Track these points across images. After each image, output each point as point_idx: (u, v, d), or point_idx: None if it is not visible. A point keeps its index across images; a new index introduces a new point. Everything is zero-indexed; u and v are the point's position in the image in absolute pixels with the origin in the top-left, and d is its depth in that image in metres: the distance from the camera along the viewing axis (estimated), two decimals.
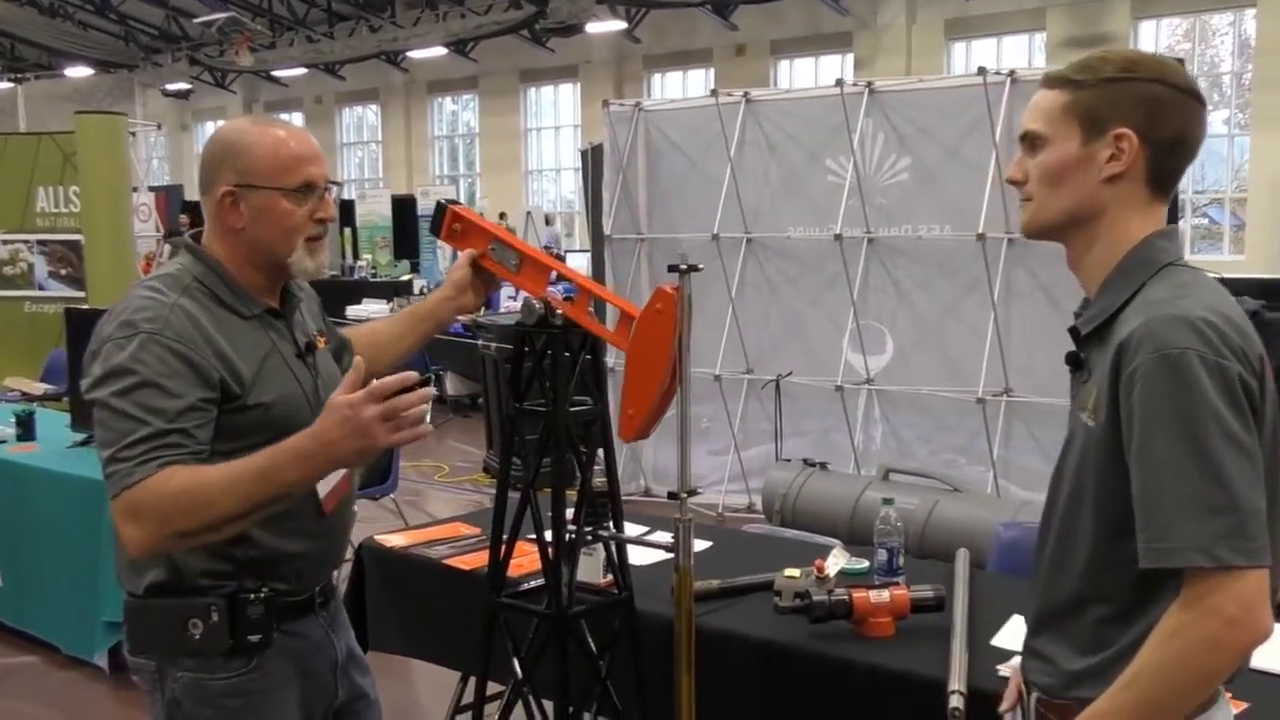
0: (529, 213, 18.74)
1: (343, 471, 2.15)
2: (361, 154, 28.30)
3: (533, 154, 24.83)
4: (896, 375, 6.23)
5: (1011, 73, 5.65)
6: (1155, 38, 18.51)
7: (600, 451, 2.65)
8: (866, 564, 3.07)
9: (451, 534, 3.57)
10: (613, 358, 6.43)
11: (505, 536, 2.61)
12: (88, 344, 2.01)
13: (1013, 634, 2.65)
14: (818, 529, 4.42)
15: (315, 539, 2.13)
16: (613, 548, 2.66)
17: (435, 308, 2.49)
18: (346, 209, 18.07)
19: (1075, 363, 1.72)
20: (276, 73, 25.89)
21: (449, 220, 2.49)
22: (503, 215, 19.34)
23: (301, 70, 25.15)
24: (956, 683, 2.34)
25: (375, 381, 1.83)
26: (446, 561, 3.31)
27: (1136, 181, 1.63)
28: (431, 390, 1.89)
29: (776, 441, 6.36)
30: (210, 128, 31.37)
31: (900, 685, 2.50)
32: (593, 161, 7.40)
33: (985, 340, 5.71)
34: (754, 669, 2.69)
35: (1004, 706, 1.87)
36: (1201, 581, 1.46)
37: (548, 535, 2.55)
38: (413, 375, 1.86)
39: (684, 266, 2.25)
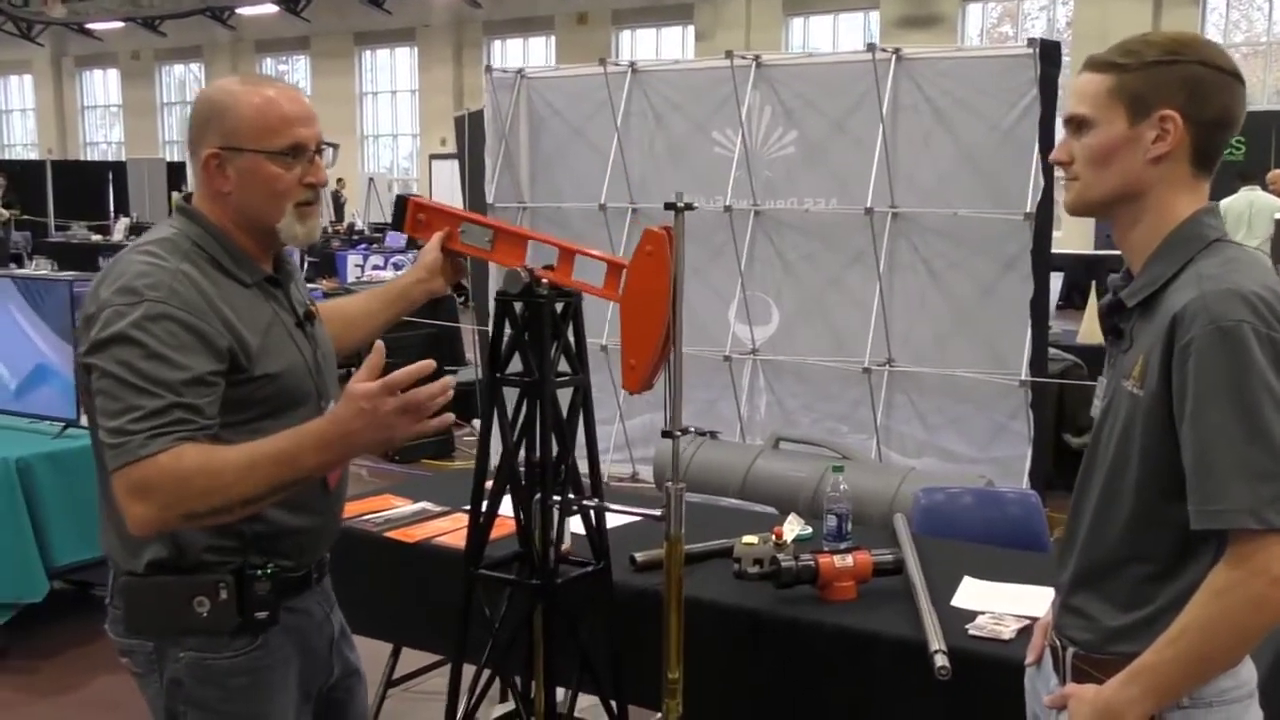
0: (371, 179, 18.29)
1: None
2: (184, 114, 27.13)
3: (369, 119, 24.22)
4: (781, 346, 6.33)
5: (898, 50, 5.79)
6: (981, 18, 19.36)
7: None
8: (810, 530, 3.14)
9: (383, 505, 3.48)
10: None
11: (485, 508, 2.57)
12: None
13: (968, 595, 2.76)
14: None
15: (318, 514, 2.08)
16: (592, 516, 2.64)
17: (408, 288, 2.48)
18: (176, 171, 17.31)
19: (1115, 332, 1.78)
20: (90, 25, 24.53)
21: (411, 212, 2.53)
22: (340, 181, 18.85)
23: (118, 24, 23.90)
24: (937, 643, 2.42)
25: (394, 373, 1.79)
26: (388, 535, 3.23)
27: (1181, 161, 1.69)
28: (451, 380, 1.86)
29: (666, 411, 6.38)
30: (14, 81, 29.56)
31: (869, 646, 2.57)
32: (470, 128, 7.27)
33: (869, 312, 5.85)
34: (724, 635, 2.72)
35: (1030, 659, 1.95)
36: (1249, 542, 1.55)
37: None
38: (430, 364, 1.83)
39: (680, 204, 2.25)
